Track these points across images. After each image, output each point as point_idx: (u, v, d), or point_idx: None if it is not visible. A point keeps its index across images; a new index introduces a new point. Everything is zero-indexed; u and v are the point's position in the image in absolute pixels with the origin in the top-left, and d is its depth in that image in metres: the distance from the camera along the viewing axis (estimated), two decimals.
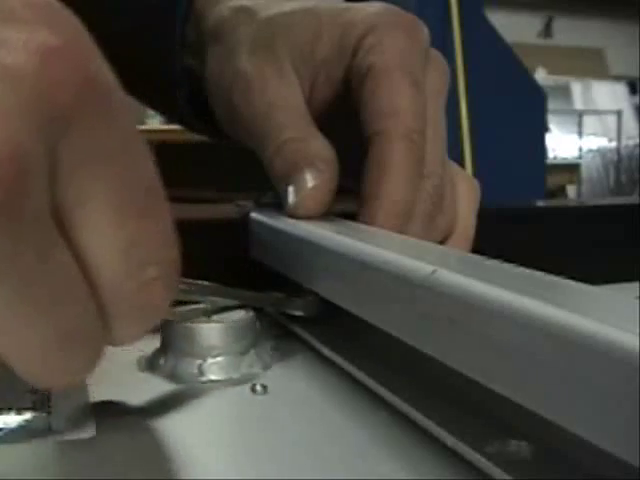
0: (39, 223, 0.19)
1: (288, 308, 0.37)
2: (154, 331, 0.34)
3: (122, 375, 0.33)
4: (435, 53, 0.42)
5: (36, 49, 0.19)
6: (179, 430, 0.28)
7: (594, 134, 6.12)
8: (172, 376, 0.32)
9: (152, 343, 0.34)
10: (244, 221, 0.42)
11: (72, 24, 0.20)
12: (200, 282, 0.34)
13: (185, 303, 0.34)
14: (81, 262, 0.21)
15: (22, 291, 0.19)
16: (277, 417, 0.29)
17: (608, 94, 6.48)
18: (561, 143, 5.79)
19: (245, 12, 0.43)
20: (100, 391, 0.31)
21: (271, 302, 0.37)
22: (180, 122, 0.52)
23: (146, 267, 0.22)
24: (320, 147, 0.39)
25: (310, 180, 0.38)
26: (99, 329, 0.22)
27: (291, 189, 0.38)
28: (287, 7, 0.43)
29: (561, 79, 6.25)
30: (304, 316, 0.37)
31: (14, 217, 0.18)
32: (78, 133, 0.20)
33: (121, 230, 0.21)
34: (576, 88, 6.36)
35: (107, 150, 0.21)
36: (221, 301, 0.35)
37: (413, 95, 0.38)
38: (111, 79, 0.21)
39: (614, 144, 6.08)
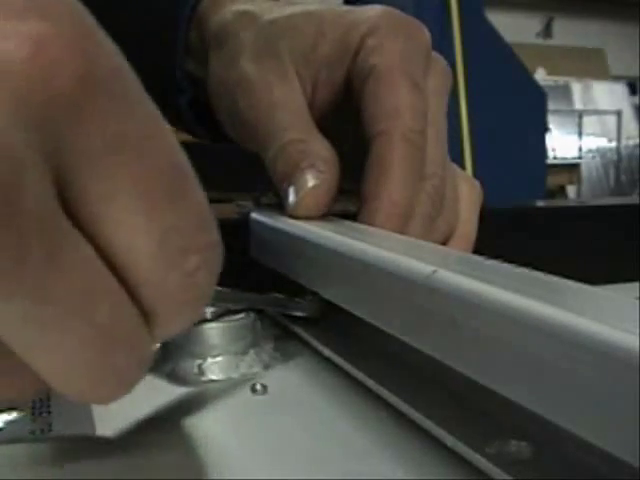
0: (44, 221, 0.17)
1: (290, 309, 0.37)
2: None
3: None
4: (436, 56, 0.42)
5: (27, 36, 0.17)
6: (178, 430, 0.28)
7: (594, 134, 6.12)
8: (172, 376, 0.32)
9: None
10: (244, 221, 0.42)
11: (67, 8, 0.18)
12: None
13: None
14: (110, 259, 0.19)
15: (41, 296, 0.17)
16: (277, 417, 0.29)
17: (608, 94, 6.49)
18: (561, 143, 5.79)
19: (248, 16, 0.43)
20: None
21: (273, 304, 0.37)
22: (180, 126, 0.52)
23: (188, 255, 0.19)
24: (321, 148, 0.39)
25: (310, 180, 0.38)
26: (142, 327, 0.20)
27: (292, 189, 0.38)
28: (289, 10, 0.43)
29: (561, 79, 6.25)
30: (307, 317, 0.37)
31: (10, 218, 0.16)
32: (86, 121, 0.18)
33: (153, 220, 0.19)
34: (576, 88, 6.36)
35: (123, 136, 0.18)
36: (222, 304, 0.34)
37: (414, 96, 0.38)
38: (117, 60, 0.19)
39: (614, 144, 6.07)
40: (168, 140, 0.19)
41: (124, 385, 0.20)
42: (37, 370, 0.18)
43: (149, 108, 0.19)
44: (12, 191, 0.16)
